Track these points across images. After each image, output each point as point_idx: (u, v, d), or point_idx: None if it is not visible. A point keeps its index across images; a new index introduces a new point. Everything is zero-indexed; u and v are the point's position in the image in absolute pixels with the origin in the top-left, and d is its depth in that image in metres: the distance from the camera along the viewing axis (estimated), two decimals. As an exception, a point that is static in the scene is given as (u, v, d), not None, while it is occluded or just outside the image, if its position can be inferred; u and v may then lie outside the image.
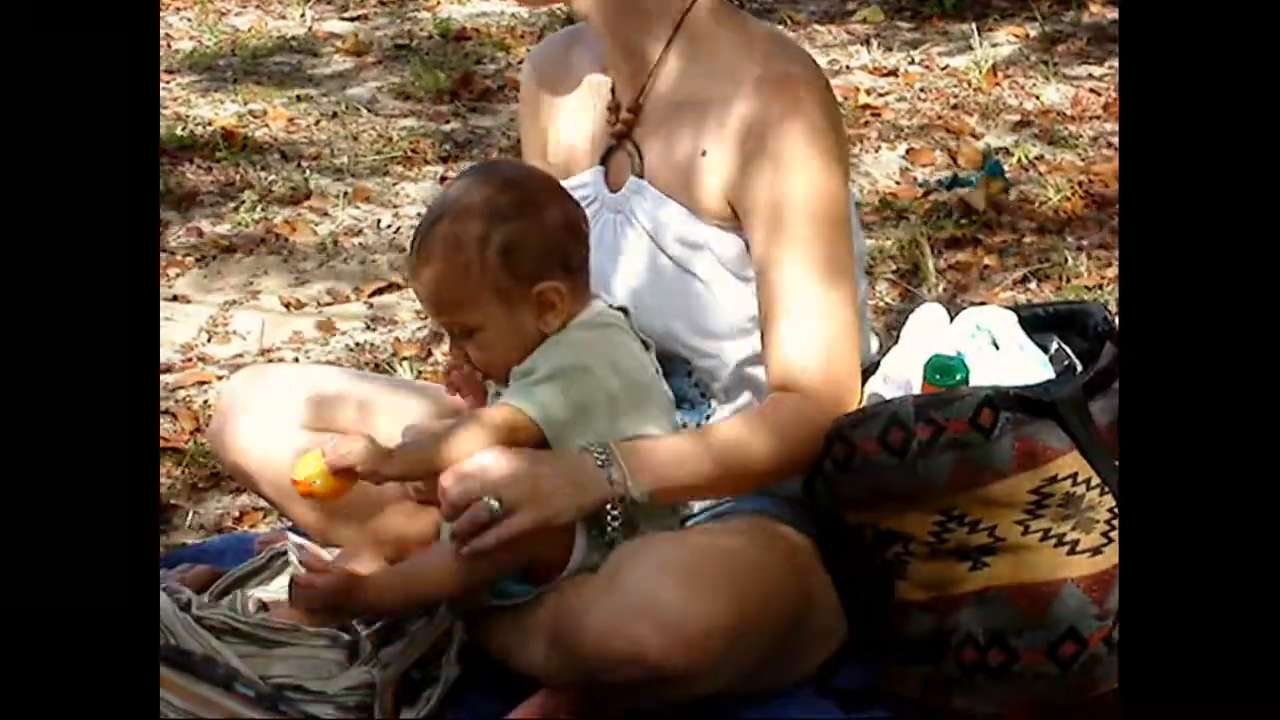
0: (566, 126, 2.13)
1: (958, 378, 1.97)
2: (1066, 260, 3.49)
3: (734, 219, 1.95)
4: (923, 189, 3.99)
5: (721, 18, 1.99)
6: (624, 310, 1.96)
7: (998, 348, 2.05)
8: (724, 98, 1.94)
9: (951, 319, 2.10)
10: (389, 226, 3.85)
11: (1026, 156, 4.11)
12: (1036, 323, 2.10)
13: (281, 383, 2.20)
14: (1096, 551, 1.89)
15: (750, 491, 1.97)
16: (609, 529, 1.87)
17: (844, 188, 1.95)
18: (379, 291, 3.52)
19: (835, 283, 1.93)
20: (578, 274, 1.94)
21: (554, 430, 1.87)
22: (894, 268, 3.58)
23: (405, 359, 3.19)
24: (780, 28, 2.07)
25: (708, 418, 2.04)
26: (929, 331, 2.09)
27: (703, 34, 1.98)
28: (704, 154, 1.95)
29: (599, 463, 1.84)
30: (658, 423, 1.93)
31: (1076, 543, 1.89)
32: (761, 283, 1.93)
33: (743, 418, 1.96)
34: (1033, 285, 3.46)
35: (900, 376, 2.04)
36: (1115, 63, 4.73)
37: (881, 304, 3.44)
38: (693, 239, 1.97)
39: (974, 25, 4.99)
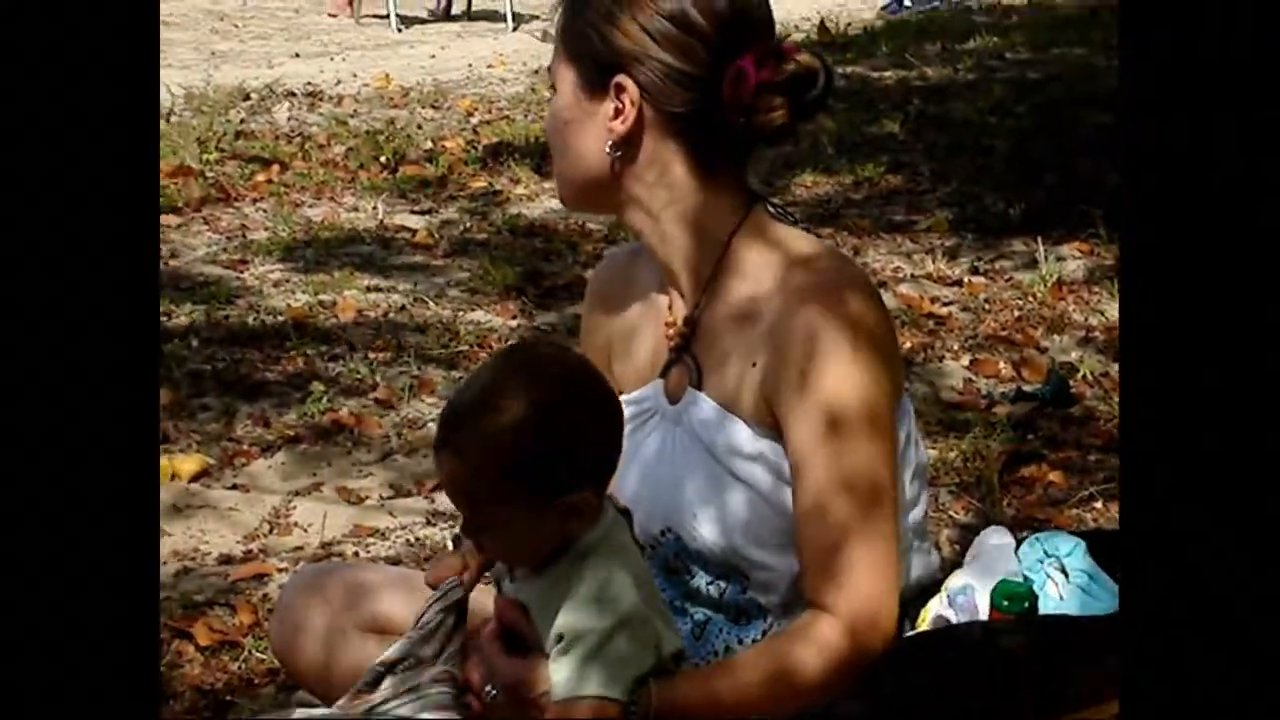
0: (629, 340, 2.14)
1: (1026, 605, 1.95)
2: (1133, 480, 3.46)
3: (780, 430, 1.95)
4: (987, 400, 3.98)
5: (768, 232, 2.00)
6: (627, 512, 1.94)
7: (1067, 576, 2.02)
8: (769, 310, 1.95)
9: (1018, 541, 2.08)
10: (453, 421, 3.87)
11: (1092, 373, 4.10)
12: (1106, 550, 2.08)
13: (337, 592, 2.20)
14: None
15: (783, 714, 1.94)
16: None
17: (886, 399, 1.94)
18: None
19: (870, 497, 1.91)
20: (608, 480, 1.90)
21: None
22: (958, 480, 3.57)
23: (465, 556, 3.18)
24: (824, 240, 2.08)
25: (764, 633, 2.02)
26: (996, 556, 2.07)
27: (750, 249, 1.99)
28: (754, 365, 1.96)
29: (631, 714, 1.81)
30: (671, 628, 1.90)
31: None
32: (795, 491, 1.93)
33: (766, 647, 1.93)
34: (1099, 504, 3.43)
35: (967, 601, 2.02)
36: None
37: (944, 517, 3.41)
38: (748, 450, 1.97)
39: (1039, 239, 5.03)
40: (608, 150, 1.92)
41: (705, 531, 1.97)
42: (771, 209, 2.01)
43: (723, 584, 1.98)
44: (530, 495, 1.78)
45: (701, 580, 2.01)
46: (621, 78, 1.89)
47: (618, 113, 1.91)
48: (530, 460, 1.77)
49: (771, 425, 1.95)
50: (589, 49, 1.92)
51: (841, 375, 1.88)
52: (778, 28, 1.96)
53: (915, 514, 2.04)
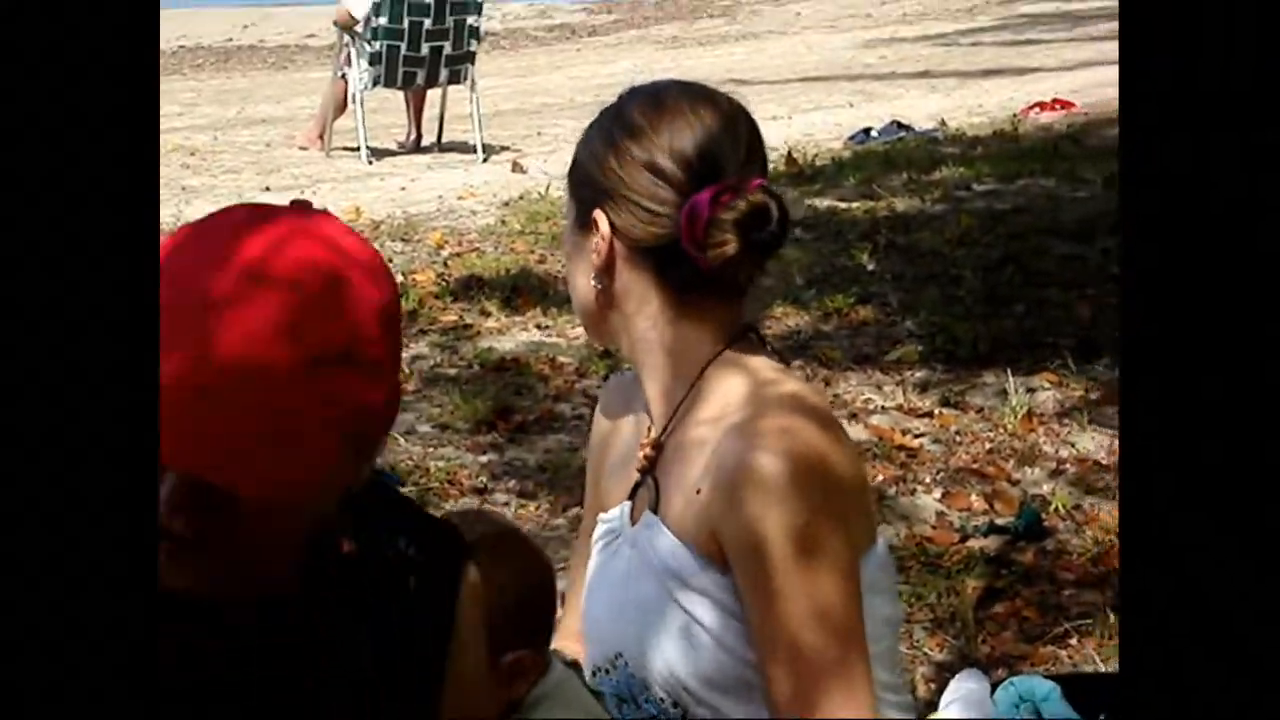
0: (616, 460, 2.18)
1: (1004, 754, 1.93)
2: (1109, 617, 3.45)
3: (726, 561, 1.94)
4: (960, 534, 3.97)
5: (742, 361, 2.02)
6: (576, 664, 1.93)
7: (1044, 722, 2.01)
8: (716, 437, 1.96)
9: (993, 685, 2.06)
10: (423, 560, 3.84)
11: (1064, 506, 4.10)
12: (1082, 694, 2.07)
13: None
14: None
15: None
16: None
17: (832, 534, 1.90)
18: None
19: (834, 636, 1.88)
20: (548, 639, 1.90)
21: None
22: (932, 616, 3.54)
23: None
24: (793, 371, 2.08)
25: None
26: (972, 701, 2.05)
27: (721, 377, 2.02)
28: (698, 492, 1.96)
29: None
30: None
31: None
32: (749, 630, 1.91)
33: None
34: (1074, 641, 3.41)
35: (944, 749, 2.00)
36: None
37: (919, 655, 3.39)
38: (694, 583, 1.96)
39: (1009, 371, 5.04)
40: (593, 281, 2.00)
41: (650, 662, 1.96)
42: (757, 339, 2.03)
43: (673, 713, 1.96)
44: None
45: (651, 709, 1.99)
46: (597, 212, 1.97)
47: (596, 246, 1.98)
48: None
49: (717, 557, 1.93)
50: (578, 186, 2.02)
51: (774, 508, 1.87)
52: None
53: (883, 674, 2.00)
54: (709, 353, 2.02)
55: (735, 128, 1.98)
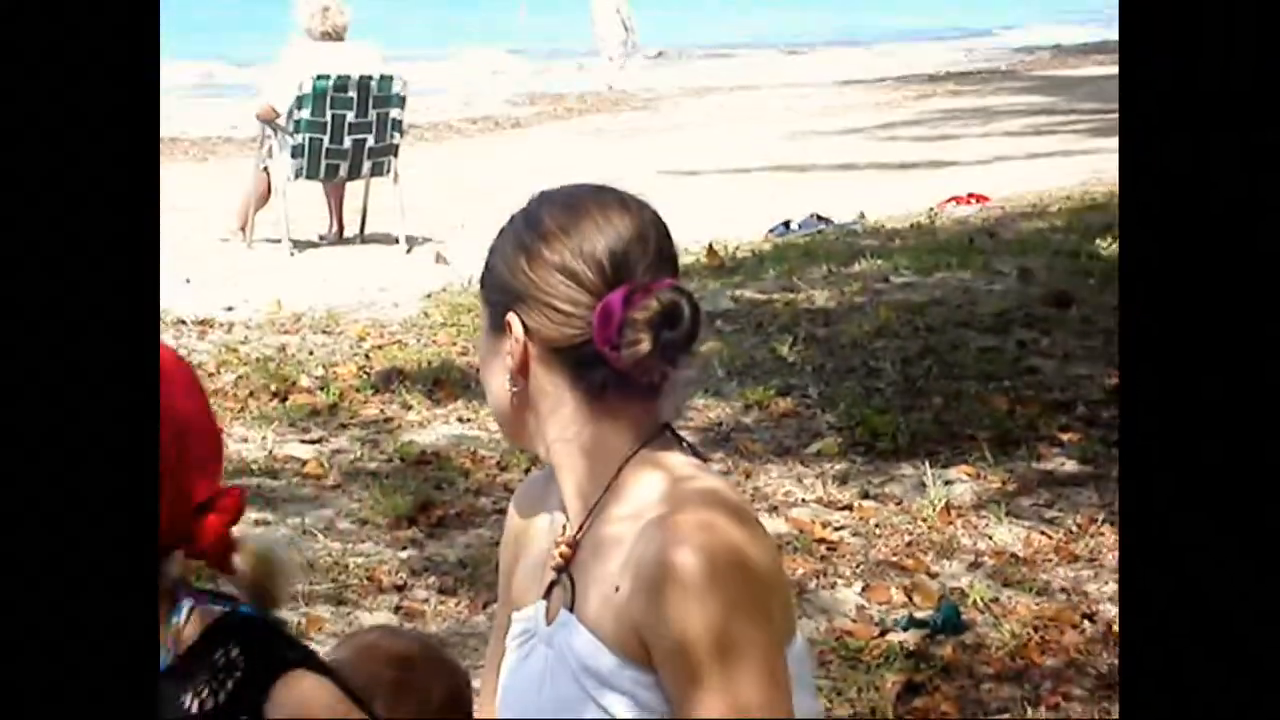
0: (529, 560, 2.17)
1: None
2: (1027, 711, 3.47)
3: (649, 658, 1.94)
4: (879, 628, 3.99)
5: (659, 459, 2.04)
6: None
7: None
8: (632, 534, 1.97)
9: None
10: (342, 658, 3.81)
11: (982, 599, 4.13)
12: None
13: None
14: None
15: None
16: None
17: (755, 629, 1.92)
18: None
19: None
20: None
21: None
22: (852, 710, 3.55)
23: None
24: (708, 466, 2.10)
25: None
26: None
27: (638, 476, 2.03)
28: (616, 589, 1.96)
29: None
30: None
31: None
32: None
33: None
34: (992, 735, 3.43)
35: None
36: (1064, 505, 4.82)
37: (839, 751, 3.39)
38: (612, 681, 1.96)
39: (926, 463, 5.09)
40: (508, 384, 2.01)
41: (565, 765, 1.95)
42: (673, 436, 2.04)
43: None
44: None
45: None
46: (511, 315, 1.99)
47: (510, 349, 1.99)
48: None
49: (638, 654, 1.94)
50: (491, 290, 2.05)
51: (694, 606, 1.87)
52: None
53: None
54: (626, 451, 2.03)
55: (645, 230, 2.01)
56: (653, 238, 2.02)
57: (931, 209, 10.37)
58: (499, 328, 2.01)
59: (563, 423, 2.02)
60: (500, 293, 2.02)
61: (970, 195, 10.93)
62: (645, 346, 1.93)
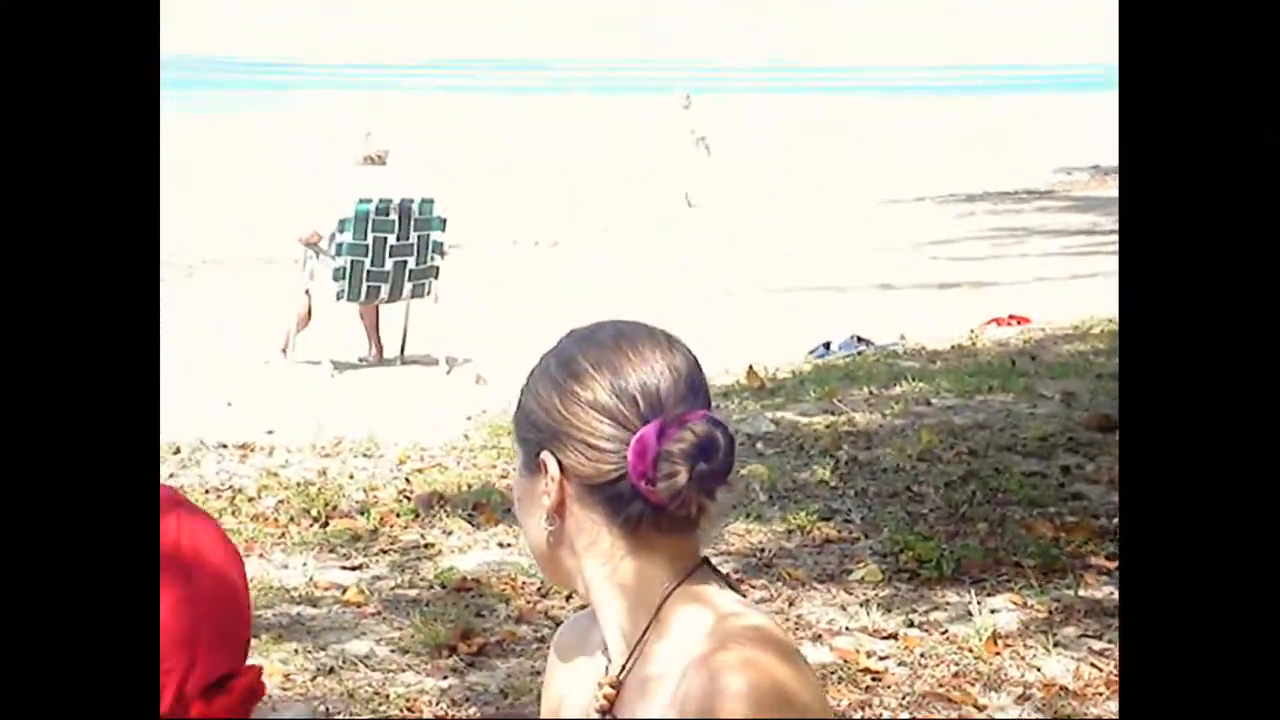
0: (573, 701, 2.15)
1: None
2: None
3: None
4: (927, 764, 3.92)
5: (700, 595, 2.03)
6: None
7: None
8: (677, 674, 1.95)
9: None
10: (381, 792, 3.77)
11: (1031, 734, 4.06)
12: None
13: None
14: None
15: None
16: None
17: None
18: None
19: None
20: None
21: None
22: None
23: None
24: (749, 601, 2.08)
25: None
26: None
27: (680, 613, 2.02)
28: None
29: None
30: None
31: None
32: None
33: None
34: None
35: None
36: (1114, 636, 4.75)
37: None
38: None
39: (972, 591, 5.03)
40: (544, 524, 2.01)
41: None
42: (711, 569, 2.02)
43: None
44: None
45: None
46: (545, 454, 1.99)
47: (546, 488, 1.99)
48: None
49: None
50: (525, 430, 2.04)
51: None
52: (706, 369, 2.03)
53: None
54: (666, 586, 2.02)
55: (677, 365, 2.02)
56: (684, 370, 2.02)
57: (972, 331, 10.35)
58: (534, 467, 2.01)
59: (601, 559, 2.01)
60: (535, 431, 2.02)
61: (1011, 317, 10.91)
62: (681, 479, 1.93)
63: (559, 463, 1.98)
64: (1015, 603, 5.03)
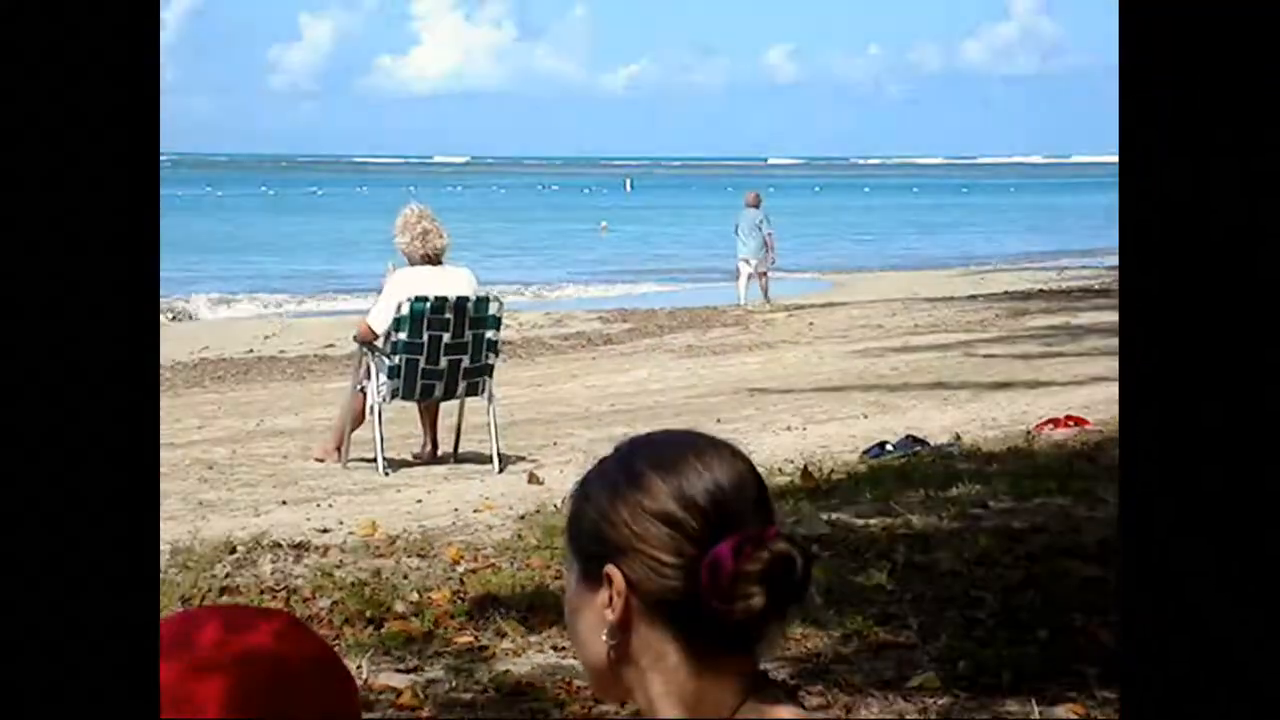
0: None
1: None
2: None
3: None
4: None
5: (765, 712, 1.99)
6: None
7: None
8: None
9: None
10: None
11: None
12: None
13: None
14: None
15: None
16: None
17: None
18: None
19: None
20: None
21: None
22: None
23: None
24: (811, 716, 2.05)
25: None
26: None
27: None
28: None
29: None
30: None
31: None
32: None
33: None
34: None
35: None
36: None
37: None
38: None
39: (1033, 701, 4.96)
40: (605, 638, 1.95)
41: None
42: (773, 684, 1.99)
43: None
44: None
45: None
46: (610, 568, 1.93)
47: (609, 602, 1.94)
48: None
49: None
50: (585, 541, 1.98)
51: None
52: (761, 469, 1.99)
53: None
54: (731, 706, 1.98)
55: (743, 475, 1.98)
56: (750, 481, 1.99)
57: (1029, 432, 10.29)
58: (594, 579, 1.95)
59: (665, 677, 1.96)
60: (596, 544, 1.96)
61: (1068, 418, 10.85)
62: (759, 601, 1.89)
63: (626, 577, 1.93)
64: (1077, 713, 4.96)
